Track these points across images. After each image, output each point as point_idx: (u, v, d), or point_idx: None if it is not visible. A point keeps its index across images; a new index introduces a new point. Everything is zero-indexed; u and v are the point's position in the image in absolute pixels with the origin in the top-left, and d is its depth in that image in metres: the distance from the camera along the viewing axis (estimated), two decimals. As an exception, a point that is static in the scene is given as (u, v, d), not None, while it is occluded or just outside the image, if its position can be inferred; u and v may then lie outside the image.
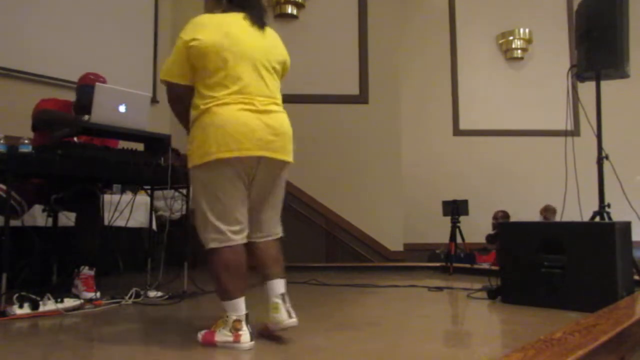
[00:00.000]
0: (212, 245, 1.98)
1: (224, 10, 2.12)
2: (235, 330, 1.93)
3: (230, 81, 1.98)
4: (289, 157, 2.11)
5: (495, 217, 6.09)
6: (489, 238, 5.96)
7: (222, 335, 1.95)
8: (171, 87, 2.07)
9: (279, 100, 2.12)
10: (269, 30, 2.17)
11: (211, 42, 1.98)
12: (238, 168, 1.97)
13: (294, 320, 2.03)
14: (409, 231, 6.21)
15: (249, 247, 2.10)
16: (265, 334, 2.09)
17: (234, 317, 1.94)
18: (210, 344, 1.99)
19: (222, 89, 1.98)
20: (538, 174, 7.03)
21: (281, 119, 2.08)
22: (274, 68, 2.12)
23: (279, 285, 2.07)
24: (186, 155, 2.08)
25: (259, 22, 2.11)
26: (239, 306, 1.96)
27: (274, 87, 2.11)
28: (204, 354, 1.96)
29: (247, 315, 1.97)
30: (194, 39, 1.98)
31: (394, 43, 6.12)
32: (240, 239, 2.01)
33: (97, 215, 3.22)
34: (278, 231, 2.21)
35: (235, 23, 2.07)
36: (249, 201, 2.07)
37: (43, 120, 2.99)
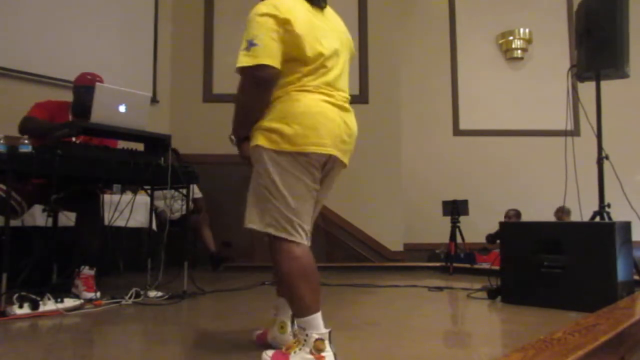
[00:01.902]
0: (282, 234, 1.68)
1: None
2: (318, 351, 1.62)
3: (321, 70, 1.75)
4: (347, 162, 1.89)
5: (507, 216, 6.08)
6: (489, 238, 5.97)
7: (300, 358, 1.64)
8: (266, 72, 1.66)
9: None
10: (330, 10, 1.94)
11: (308, 25, 1.73)
12: (321, 164, 1.76)
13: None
14: (409, 231, 6.20)
15: None
16: (261, 342, 1.98)
17: (316, 336, 1.63)
18: None
19: (313, 76, 1.74)
20: (538, 174, 7.02)
21: (354, 120, 1.88)
22: (351, 54, 1.94)
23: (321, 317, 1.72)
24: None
25: (322, 3, 1.88)
26: (319, 322, 1.66)
27: (348, 80, 1.90)
28: (203, 353, 1.96)
29: (330, 333, 1.67)
30: (288, 20, 1.68)
31: (394, 43, 6.11)
32: (307, 240, 1.75)
33: (97, 215, 3.22)
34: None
35: (309, 8, 1.80)
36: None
37: (27, 129, 3.00)
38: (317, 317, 1.66)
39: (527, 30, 7.43)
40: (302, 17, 1.73)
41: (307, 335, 1.64)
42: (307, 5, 1.80)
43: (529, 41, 7.50)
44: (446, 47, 7.53)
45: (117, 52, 5.20)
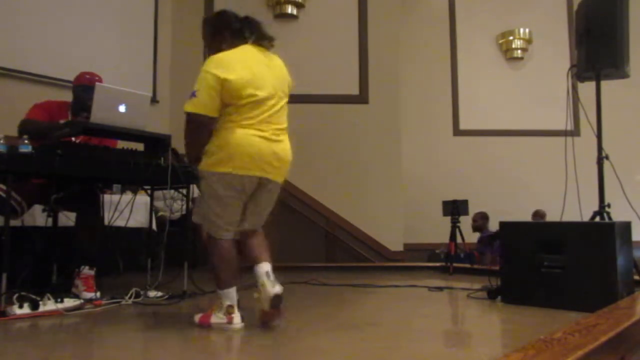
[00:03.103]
0: (212, 232, 2.31)
1: (232, 44, 2.38)
2: (229, 313, 2.27)
3: (255, 111, 2.28)
4: (283, 179, 2.45)
5: (474, 219, 6.01)
6: (489, 238, 5.96)
7: (217, 318, 2.30)
8: (200, 118, 2.25)
9: (286, 126, 2.42)
10: (274, 56, 2.46)
11: (244, 79, 2.25)
12: (244, 183, 2.30)
13: (279, 288, 2.24)
14: (409, 231, 6.20)
15: (239, 241, 2.41)
16: (265, 320, 2.26)
17: (228, 303, 2.28)
18: (205, 324, 2.31)
19: (247, 115, 2.27)
20: (538, 174, 7.03)
21: (287, 148, 2.40)
22: (285, 95, 2.43)
23: (263, 267, 2.30)
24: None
25: (268, 48, 2.43)
26: (233, 294, 2.30)
27: (285, 114, 2.43)
28: (203, 353, 1.96)
29: (238, 301, 2.31)
30: (226, 77, 2.22)
31: (394, 43, 6.11)
32: (231, 235, 2.34)
33: (97, 215, 3.21)
34: (260, 227, 2.53)
35: (253, 58, 2.35)
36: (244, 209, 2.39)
37: (25, 131, 2.99)
38: (232, 291, 2.30)
39: (527, 30, 7.44)
40: (241, 71, 2.26)
41: (221, 302, 2.30)
42: (252, 50, 2.38)
43: (529, 41, 7.50)
44: (446, 47, 7.53)
45: (117, 52, 5.20)
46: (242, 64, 2.29)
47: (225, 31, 2.42)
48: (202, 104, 2.24)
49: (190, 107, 2.25)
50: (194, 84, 2.27)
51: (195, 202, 4.72)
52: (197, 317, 2.36)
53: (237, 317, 2.28)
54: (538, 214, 6.29)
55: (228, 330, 2.25)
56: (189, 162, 2.51)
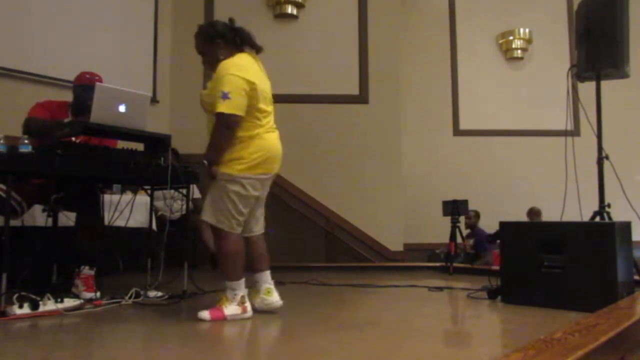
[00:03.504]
0: (227, 228, 2.46)
1: (228, 52, 2.53)
2: (242, 303, 2.44)
3: (269, 116, 2.56)
4: None
5: (467, 217, 6.06)
6: (489, 238, 5.96)
7: (232, 310, 2.41)
8: (235, 119, 2.39)
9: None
10: (261, 67, 2.65)
11: (262, 87, 2.49)
12: (269, 180, 2.58)
13: (281, 302, 2.59)
14: (409, 231, 6.21)
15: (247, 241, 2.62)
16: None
17: (241, 294, 2.45)
18: (220, 318, 2.39)
19: (267, 120, 2.53)
20: (538, 174, 7.03)
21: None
22: (271, 99, 2.65)
23: (269, 275, 2.63)
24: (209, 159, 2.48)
25: (257, 52, 2.62)
26: (243, 285, 2.47)
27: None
28: (203, 353, 1.96)
29: (247, 291, 2.51)
30: (254, 83, 2.43)
31: (394, 43, 6.12)
32: (240, 231, 2.53)
33: (97, 215, 3.21)
34: (262, 228, 2.76)
35: (254, 66, 2.54)
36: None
37: (31, 128, 3.00)
38: (242, 282, 2.47)
39: (527, 30, 7.44)
40: (259, 79, 2.49)
41: (235, 294, 2.43)
42: (250, 59, 2.55)
43: (529, 41, 7.50)
44: (446, 47, 7.53)
45: (117, 52, 5.20)
46: (254, 70, 2.51)
47: (219, 39, 2.53)
48: (237, 105, 2.37)
49: (226, 108, 2.35)
50: (221, 87, 2.37)
51: (194, 202, 4.74)
52: (206, 314, 2.41)
53: (249, 307, 2.46)
54: (533, 212, 6.30)
55: (243, 319, 2.42)
56: (210, 165, 2.48)
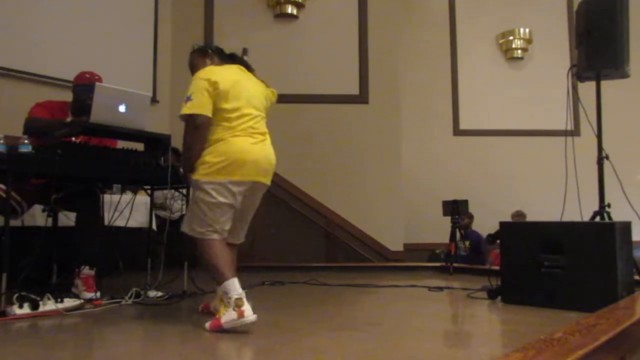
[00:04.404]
0: (205, 236, 2.37)
1: (218, 63, 2.57)
2: (238, 307, 2.17)
3: (241, 119, 2.42)
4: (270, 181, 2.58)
5: (461, 218, 6.10)
6: (489, 238, 5.96)
7: (228, 316, 2.17)
8: (199, 119, 2.36)
9: (267, 132, 2.57)
10: (255, 78, 2.63)
11: (229, 86, 2.40)
12: (241, 188, 2.40)
13: (254, 316, 2.20)
14: (409, 231, 6.21)
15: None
16: (205, 310, 2.59)
17: (235, 295, 2.20)
18: (218, 328, 2.18)
19: (236, 123, 2.41)
20: (538, 174, 7.03)
21: (273, 151, 2.54)
22: (265, 108, 2.61)
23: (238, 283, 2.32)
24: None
25: (250, 71, 2.60)
26: (236, 285, 2.24)
27: (265, 123, 2.59)
28: (203, 353, 1.96)
29: (245, 293, 2.24)
30: (217, 81, 2.37)
31: (394, 43, 6.12)
32: (222, 237, 2.43)
33: (97, 215, 3.21)
34: (243, 238, 2.69)
35: (237, 73, 2.52)
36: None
37: (31, 128, 3.00)
38: (234, 282, 2.24)
39: (527, 30, 7.44)
40: (227, 78, 2.42)
41: (229, 297, 2.20)
42: (238, 70, 2.54)
43: (529, 41, 7.50)
44: (446, 46, 7.53)
45: (117, 52, 5.19)
46: (228, 73, 2.48)
47: (213, 54, 2.63)
48: (198, 105, 2.34)
49: (188, 109, 2.36)
50: (186, 92, 2.40)
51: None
52: (208, 325, 2.24)
53: (248, 310, 2.17)
54: (518, 215, 6.34)
55: (242, 326, 2.15)
56: (185, 172, 2.49)
